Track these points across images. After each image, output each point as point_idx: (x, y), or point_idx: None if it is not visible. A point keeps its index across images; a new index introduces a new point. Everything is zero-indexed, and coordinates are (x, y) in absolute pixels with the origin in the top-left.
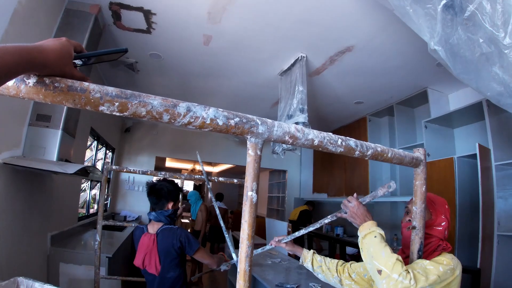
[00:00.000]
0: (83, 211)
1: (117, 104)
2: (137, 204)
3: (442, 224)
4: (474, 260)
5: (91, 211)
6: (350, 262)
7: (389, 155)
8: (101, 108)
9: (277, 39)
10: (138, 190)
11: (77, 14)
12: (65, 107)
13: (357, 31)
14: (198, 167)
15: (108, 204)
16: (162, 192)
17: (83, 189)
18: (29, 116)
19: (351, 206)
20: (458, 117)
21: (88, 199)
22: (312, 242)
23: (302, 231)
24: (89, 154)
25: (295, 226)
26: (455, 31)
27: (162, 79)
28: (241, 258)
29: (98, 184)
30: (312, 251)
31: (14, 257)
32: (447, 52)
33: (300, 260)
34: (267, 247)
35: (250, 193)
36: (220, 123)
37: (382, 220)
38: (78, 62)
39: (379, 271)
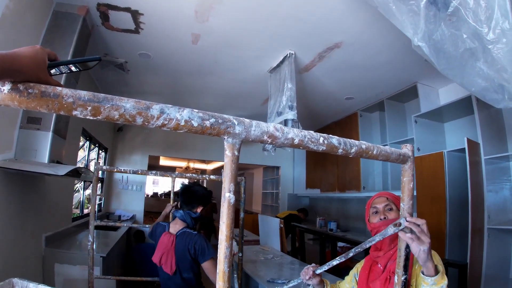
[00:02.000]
0: (77, 211)
1: (89, 108)
2: (131, 203)
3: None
4: (465, 254)
5: (85, 211)
6: (337, 282)
7: (374, 152)
8: (74, 112)
9: (265, 37)
10: (132, 189)
11: (65, 16)
12: None
13: (345, 27)
14: (192, 165)
15: (102, 204)
16: (196, 195)
17: (76, 189)
18: (20, 119)
19: (428, 240)
20: (448, 112)
21: (82, 200)
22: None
23: (335, 261)
24: (82, 154)
25: (285, 222)
26: (439, 27)
27: (152, 79)
28: (220, 259)
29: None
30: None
31: (9, 259)
32: (431, 48)
33: None
34: (294, 283)
35: (227, 194)
36: (195, 124)
37: None
38: (53, 71)
39: None
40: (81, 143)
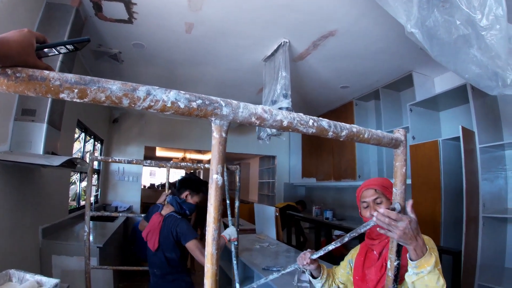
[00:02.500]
0: (74, 203)
1: (76, 90)
2: (127, 194)
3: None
4: (460, 242)
5: (82, 203)
6: (333, 267)
7: (365, 135)
8: (61, 95)
9: (259, 25)
10: (128, 181)
11: (58, 7)
12: (49, 100)
13: (339, 16)
14: (188, 155)
15: (99, 195)
16: (184, 181)
17: (73, 182)
18: (14, 111)
19: (401, 227)
20: (443, 100)
21: (78, 192)
22: (300, 234)
23: (331, 246)
24: (77, 146)
25: (282, 211)
26: (432, 13)
27: (147, 69)
28: (208, 241)
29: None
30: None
31: (6, 252)
32: (424, 34)
33: (319, 277)
34: (290, 268)
35: (215, 176)
36: (182, 105)
37: None
38: (43, 53)
39: None
40: (76, 135)
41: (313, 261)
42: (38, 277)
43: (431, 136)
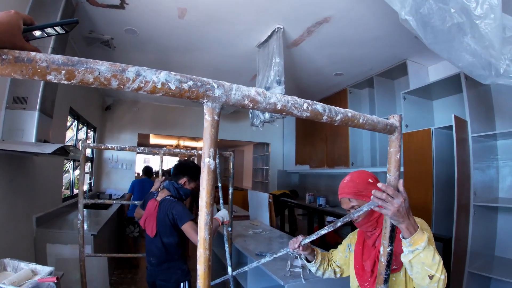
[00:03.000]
0: (68, 192)
1: (63, 72)
2: (121, 182)
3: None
4: (451, 230)
5: (76, 191)
6: (330, 251)
7: (360, 120)
8: (48, 77)
9: (253, 10)
10: (122, 168)
11: None
12: (41, 88)
13: (334, 2)
14: (182, 142)
15: (93, 183)
16: (181, 167)
17: (66, 170)
18: (5, 99)
19: (396, 204)
20: (436, 89)
21: (72, 180)
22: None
23: (324, 231)
24: (70, 134)
25: (275, 198)
26: (426, 0)
27: (139, 55)
28: (201, 226)
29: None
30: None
31: (1, 241)
32: (418, 22)
33: (313, 261)
34: (282, 252)
35: (207, 159)
36: (173, 87)
37: None
38: (29, 35)
39: (431, 276)
40: (69, 123)
41: (305, 246)
42: (33, 266)
43: (424, 124)
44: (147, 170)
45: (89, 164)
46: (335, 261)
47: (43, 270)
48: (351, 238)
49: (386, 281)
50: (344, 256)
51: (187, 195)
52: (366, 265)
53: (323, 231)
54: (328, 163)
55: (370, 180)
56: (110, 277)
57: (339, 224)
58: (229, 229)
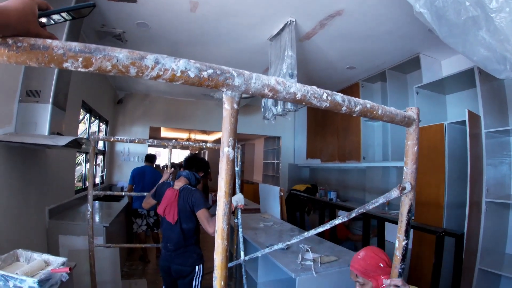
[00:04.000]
0: (80, 184)
1: (81, 59)
2: None
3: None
4: (462, 225)
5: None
6: None
7: (379, 112)
8: (65, 65)
9: (265, 3)
10: (134, 161)
11: None
12: (54, 81)
13: None
14: (193, 136)
15: (105, 176)
16: (199, 163)
17: (79, 163)
18: (19, 92)
19: None
20: (450, 84)
21: (84, 173)
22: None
23: (337, 221)
24: (83, 128)
25: (295, 196)
26: None
27: (151, 49)
28: (219, 216)
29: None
30: None
31: (14, 233)
32: (433, 15)
33: None
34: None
35: (226, 149)
36: (192, 75)
37: (374, 184)
38: (45, 21)
39: None
40: (81, 116)
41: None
42: (46, 256)
43: (437, 119)
44: (149, 157)
45: (101, 157)
46: None
47: (56, 261)
48: None
49: (400, 275)
50: None
51: (198, 183)
52: None
53: (337, 221)
54: (339, 157)
55: (381, 265)
56: (121, 268)
57: (353, 215)
58: (236, 220)
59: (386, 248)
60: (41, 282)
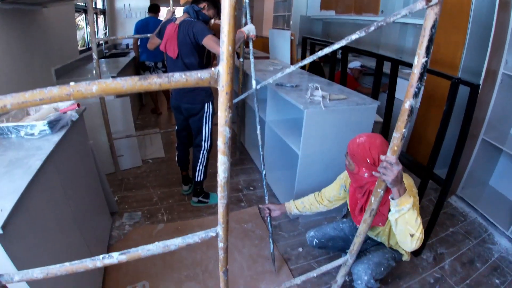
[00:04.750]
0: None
1: None
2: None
3: (364, 175)
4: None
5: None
6: (322, 190)
7: None
8: None
9: None
10: (136, 17)
11: None
12: None
13: None
14: None
15: (108, 34)
16: None
17: (81, 28)
18: None
19: (397, 171)
20: None
21: (86, 35)
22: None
23: (311, 58)
24: None
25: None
26: None
27: None
28: (220, 148)
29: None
30: (291, 200)
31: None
32: None
33: (288, 213)
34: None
35: None
36: None
37: (390, 43)
38: None
39: (412, 235)
40: None
41: (276, 213)
42: (54, 104)
43: None
44: (153, 6)
45: (102, 17)
46: (328, 198)
47: (65, 104)
48: (345, 180)
49: (416, 95)
50: (338, 194)
51: (206, 22)
52: (360, 203)
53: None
54: (356, 8)
55: (368, 161)
56: (134, 121)
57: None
58: (241, 59)
59: (395, 105)
60: (51, 123)
